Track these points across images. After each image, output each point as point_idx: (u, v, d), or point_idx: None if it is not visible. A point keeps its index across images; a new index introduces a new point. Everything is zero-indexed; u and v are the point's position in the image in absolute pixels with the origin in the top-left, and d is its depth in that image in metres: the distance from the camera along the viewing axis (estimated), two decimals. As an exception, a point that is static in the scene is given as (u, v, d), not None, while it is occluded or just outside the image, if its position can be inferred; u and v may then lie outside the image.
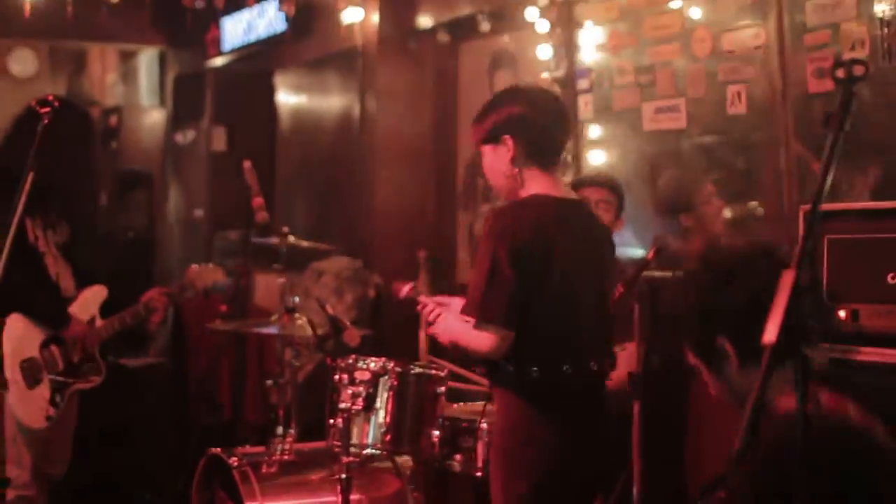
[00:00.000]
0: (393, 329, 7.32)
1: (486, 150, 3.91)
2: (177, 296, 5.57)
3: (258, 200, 5.45)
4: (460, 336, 3.83)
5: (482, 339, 3.73)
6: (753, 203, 5.46)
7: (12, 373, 5.12)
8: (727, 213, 5.56)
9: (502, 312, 3.70)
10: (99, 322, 5.35)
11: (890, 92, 4.62)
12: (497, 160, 3.87)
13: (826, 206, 4.02)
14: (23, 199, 3.95)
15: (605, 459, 3.98)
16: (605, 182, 5.25)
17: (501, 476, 3.82)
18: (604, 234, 4.05)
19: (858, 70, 2.30)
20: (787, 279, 2.10)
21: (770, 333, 2.07)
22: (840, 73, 2.31)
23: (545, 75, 6.47)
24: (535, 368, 3.73)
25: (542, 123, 3.85)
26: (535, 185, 3.83)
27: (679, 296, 2.90)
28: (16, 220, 3.87)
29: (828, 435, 2.73)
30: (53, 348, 5.26)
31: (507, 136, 3.83)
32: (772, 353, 2.07)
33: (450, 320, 3.93)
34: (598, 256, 3.91)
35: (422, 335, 7.36)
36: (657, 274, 5.10)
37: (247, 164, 5.52)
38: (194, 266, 5.63)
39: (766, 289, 2.34)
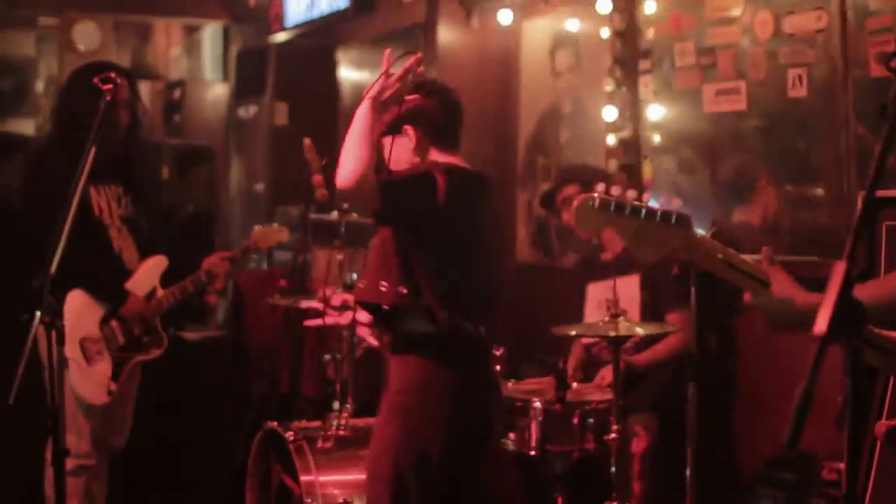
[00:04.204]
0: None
1: (386, 141, 3.99)
2: (240, 258, 5.63)
3: (318, 178, 5.46)
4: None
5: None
6: (813, 187, 5.42)
7: (72, 351, 5.07)
8: (786, 196, 5.52)
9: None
10: (160, 292, 5.39)
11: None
12: (399, 149, 3.98)
13: (885, 193, 4.03)
14: (84, 173, 3.98)
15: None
16: (574, 178, 5.58)
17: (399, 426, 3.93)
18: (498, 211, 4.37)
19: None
20: (839, 269, 2.09)
21: (821, 324, 2.06)
22: (895, 63, 2.30)
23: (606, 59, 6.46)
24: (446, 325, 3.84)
25: (441, 112, 4.02)
26: (442, 160, 3.99)
27: None
28: (77, 195, 3.89)
29: None
30: (114, 323, 5.28)
31: (407, 126, 3.96)
32: (822, 343, 2.06)
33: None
34: (498, 228, 4.24)
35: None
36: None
37: (307, 141, 5.52)
38: (258, 227, 5.73)
39: None
